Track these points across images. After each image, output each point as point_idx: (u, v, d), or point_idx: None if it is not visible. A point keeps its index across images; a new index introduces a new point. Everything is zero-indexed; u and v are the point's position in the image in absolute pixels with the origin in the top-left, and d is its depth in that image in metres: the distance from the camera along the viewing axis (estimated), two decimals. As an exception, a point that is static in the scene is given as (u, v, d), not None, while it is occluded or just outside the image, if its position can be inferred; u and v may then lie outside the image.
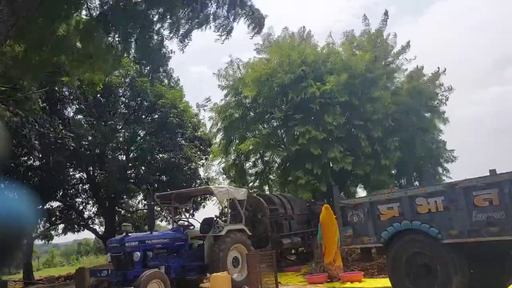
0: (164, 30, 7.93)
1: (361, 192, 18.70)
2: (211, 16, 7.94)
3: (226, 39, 8.11)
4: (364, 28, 18.16)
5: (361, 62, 16.00)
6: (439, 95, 17.84)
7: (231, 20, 7.97)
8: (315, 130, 15.19)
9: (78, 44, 8.21)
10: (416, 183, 17.67)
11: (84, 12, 8.10)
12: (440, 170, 18.14)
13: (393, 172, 17.59)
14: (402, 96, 16.62)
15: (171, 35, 7.90)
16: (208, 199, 20.44)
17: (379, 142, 15.86)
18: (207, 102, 19.68)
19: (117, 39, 7.97)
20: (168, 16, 7.63)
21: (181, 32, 7.81)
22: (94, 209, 21.65)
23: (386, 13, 17.98)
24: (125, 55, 8.78)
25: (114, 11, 7.41)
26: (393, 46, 17.83)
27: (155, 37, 7.97)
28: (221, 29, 7.99)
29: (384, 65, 17.38)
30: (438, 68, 17.82)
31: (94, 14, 7.97)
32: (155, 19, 7.71)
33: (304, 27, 18.36)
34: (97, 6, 7.90)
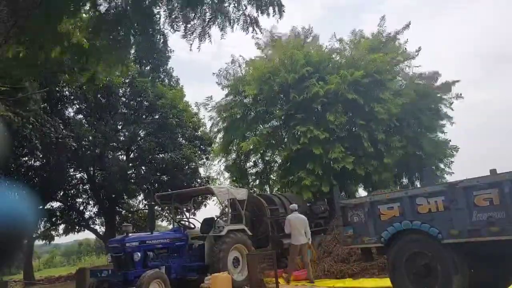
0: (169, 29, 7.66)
1: (361, 192, 18.66)
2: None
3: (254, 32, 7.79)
4: (378, 29, 18.04)
5: (371, 62, 15.92)
6: (447, 99, 17.60)
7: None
8: (316, 129, 15.12)
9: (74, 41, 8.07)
10: (417, 182, 17.59)
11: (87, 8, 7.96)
12: (442, 168, 18.02)
13: (395, 170, 17.46)
14: (408, 96, 16.39)
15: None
16: (209, 199, 20.46)
17: (382, 142, 15.76)
18: (208, 101, 19.59)
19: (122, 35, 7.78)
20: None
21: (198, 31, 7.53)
22: (95, 209, 21.68)
23: (408, 24, 17.68)
24: (130, 53, 8.52)
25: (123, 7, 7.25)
26: (405, 50, 17.71)
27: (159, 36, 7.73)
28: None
29: (392, 65, 17.24)
30: (456, 80, 17.53)
31: (102, 10, 7.83)
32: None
33: (305, 26, 18.37)
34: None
